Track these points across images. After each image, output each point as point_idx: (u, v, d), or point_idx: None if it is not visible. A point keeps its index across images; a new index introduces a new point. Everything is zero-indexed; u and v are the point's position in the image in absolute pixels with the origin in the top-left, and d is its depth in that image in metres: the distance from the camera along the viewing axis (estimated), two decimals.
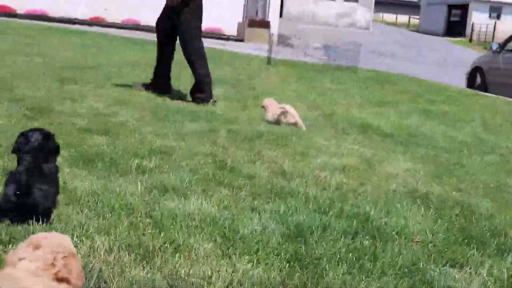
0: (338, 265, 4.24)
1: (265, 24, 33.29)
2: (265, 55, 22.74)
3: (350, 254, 4.43)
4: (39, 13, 33.39)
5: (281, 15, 42.17)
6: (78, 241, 4.06)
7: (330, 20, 55.70)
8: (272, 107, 10.13)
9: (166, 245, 4.18)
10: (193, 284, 3.68)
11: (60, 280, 2.72)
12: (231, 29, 34.09)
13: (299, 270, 4.07)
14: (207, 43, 27.38)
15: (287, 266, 4.10)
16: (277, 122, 9.99)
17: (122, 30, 30.85)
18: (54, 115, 8.18)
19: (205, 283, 3.72)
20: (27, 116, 7.98)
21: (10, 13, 33.10)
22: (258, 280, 3.85)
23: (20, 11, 33.68)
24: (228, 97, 12.31)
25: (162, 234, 4.31)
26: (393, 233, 5.00)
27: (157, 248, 4.11)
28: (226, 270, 3.92)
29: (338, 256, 4.37)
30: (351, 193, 6.21)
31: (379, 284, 4.00)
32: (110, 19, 33.63)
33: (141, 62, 17.14)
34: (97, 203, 4.84)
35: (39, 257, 2.72)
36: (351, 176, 6.96)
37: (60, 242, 2.88)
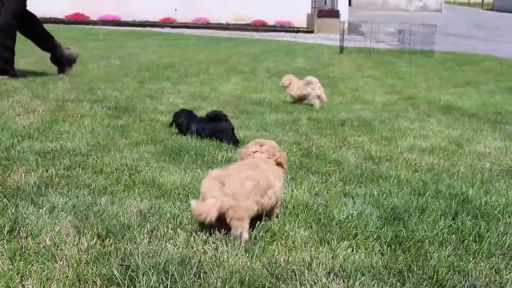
0: (442, 246, 4.05)
1: (335, 14, 32.91)
2: (336, 44, 22.48)
3: (453, 235, 4.23)
4: (112, 18, 34.14)
5: (350, 4, 41.58)
6: (173, 233, 4.02)
7: (401, 5, 54.51)
8: (295, 82, 10.02)
9: (262, 233, 4.09)
10: (293, 272, 3.57)
11: (278, 164, 4.42)
12: (301, 21, 33.88)
13: (402, 254, 3.90)
14: (279, 36, 27.43)
15: (388, 250, 3.94)
16: (302, 97, 9.95)
17: (194, 29, 31.16)
18: (136, 113, 8.27)
19: (306, 270, 3.60)
20: (110, 115, 8.10)
21: (84, 20, 34.02)
22: (360, 265, 3.71)
23: (94, 17, 34.56)
24: None
25: (257, 223, 4.22)
26: (496, 212, 4.75)
27: (253, 236, 4.02)
28: (326, 256, 3.80)
29: (441, 238, 4.17)
30: (444, 174, 5.98)
31: (488, 265, 3.79)
32: (181, 19, 33.99)
33: (216, 59, 17.25)
34: (188, 195, 4.81)
35: (265, 150, 4.43)
36: (441, 157, 6.72)
37: (273, 143, 4.58)
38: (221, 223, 3.94)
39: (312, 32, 32.38)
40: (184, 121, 7.13)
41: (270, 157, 4.39)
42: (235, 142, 6.83)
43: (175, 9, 34.12)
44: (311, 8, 34.65)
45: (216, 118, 7.05)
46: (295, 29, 33.33)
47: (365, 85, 13.05)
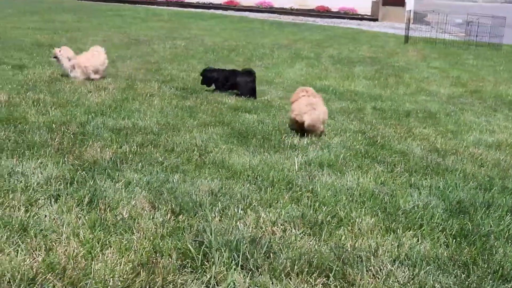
0: (508, 242, 4.07)
1: (400, 2, 32.46)
2: (401, 33, 22.23)
3: None
4: None
5: None
6: (244, 213, 4.16)
7: None
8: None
9: (328, 218, 4.18)
10: (359, 257, 3.66)
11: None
12: (365, 8, 33.54)
13: (467, 246, 3.94)
14: (342, 23, 27.21)
15: (453, 242, 3.99)
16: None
17: (257, 13, 31.23)
18: (202, 95, 8.43)
19: (372, 256, 3.69)
20: (178, 95, 8.28)
21: (149, 1, 34.47)
22: (425, 254, 3.77)
23: None
24: (368, 76, 12.12)
25: (324, 208, 4.32)
26: None
27: (320, 221, 4.12)
28: (392, 244, 3.87)
29: (507, 233, 4.19)
30: (510, 170, 5.94)
31: None
32: (244, 2, 34.08)
33: (280, 44, 17.30)
34: (256, 177, 4.93)
35: (311, 94, 6.70)
36: (508, 153, 6.66)
37: (311, 88, 6.95)
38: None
39: (376, 20, 32.05)
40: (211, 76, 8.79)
41: (314, 97, 6.73)
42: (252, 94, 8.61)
43: None
44: None
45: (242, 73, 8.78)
46: (359, 16, 33.04)
47: (430, 76, 12.91)
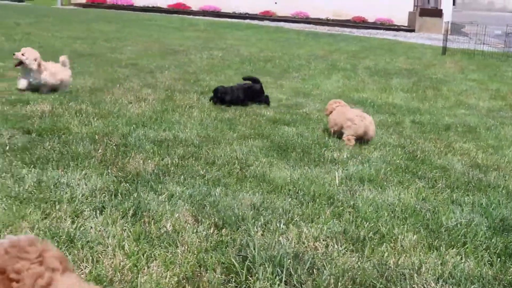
0: None
1: (438, 13, 32.21)
2: (438, 44, 22.05)
3: None
4: (212, 9, 34.73)
5: (454, 3, 40.52)
6: (286, 228, 4.18)
7: (509, 6, 52.58)
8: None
9: (371, 234, 4.18)
10: (403, 275, 3.65)
11: None
12: (402, 19, 33.35)
13: None
14: (378, 34, 27.07)
15: (498, 261, 3.95)
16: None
17: (292, 23, 31.28)
18: (241, 107, 8.47)
19: (415, 274, 3.67)
20: (217, 107, 8.34)
21: (186, 10, 34.79)
22: (469, 273, 3.74)
23: (195, 8, 35.27)
24: (406, 88, 12.05)
25: (366, 224, 4.32)
26: None
27: (362, 237, 4.12)
28: (435, 262, 3.85)
29: None
30: None
31: None
32: (280, 12, 34.18)
33: (316, 54, 17.31)
34: (297, 191, 4.95)
35: (343, 105, 7.32)
36: None
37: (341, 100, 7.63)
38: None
39: (413, 31, 31.84)
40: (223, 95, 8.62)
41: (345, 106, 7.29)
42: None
43: (275, 2, 34.36)
44: (413, 6, 34.05)
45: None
46: (396, 27, 32.84)
47: (469, 89, 12.77)
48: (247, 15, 34.02)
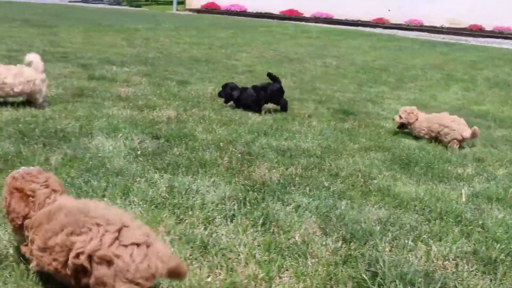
0: None
1: None
2: None
3: None
4: (324, 16, 34.78)
5: None
6: (414, 245, 4.15)
7: None
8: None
9: (502, 256, 4.08)
10: None
11: None
12: None
13: None
14: (496, 43, 26.16)
15: None
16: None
17: (406, 31, 30.80)
18: (360, 117, 8.47)
19: None
20: (335, 117, 8.37)
21: (297, 17, 35.03)
22: None
23: (307, 14, 35.45)
24: None
25: (497, 245, 4.22)
26: None
27: (493, 259, 4.03)
28: None
29: None
30: None
31: None
32: (393, 20, 33.74)
33: (432, 64, 16.97)
34: (424, 208, 4.90)
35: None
36: None
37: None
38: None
39: None
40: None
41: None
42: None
43: (389, 10, 33.96)
44: None
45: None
46: None
47: None
48: (359, 22, 33.83)
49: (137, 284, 2.83)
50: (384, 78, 13.29)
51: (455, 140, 7.15)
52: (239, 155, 5.97)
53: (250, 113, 8.06)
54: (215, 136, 6.65)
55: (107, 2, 42.03)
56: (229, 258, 3.74)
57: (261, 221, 4.30)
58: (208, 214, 4.38)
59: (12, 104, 7.14)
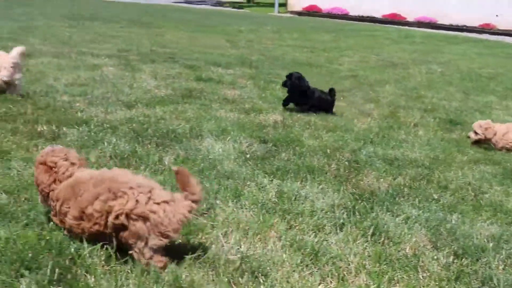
0: None
1: None
2: None
3: None
4: (428, 20, 34.06)
5: None
6: None
7: None
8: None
9: None
10: None
11: None
12: None
13: None
14: None
15: None
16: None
17: None
18: (468, 128, 8.27)
19: None
20: (442, 127, 8.24)
21: (400, 21, 34.46)
22: None
23: (410, 19, 34.80)
24: None
25: None
26: None
27: None
28: None
29: None
30: None
31: None
32: (502, 25, 32.57)
33: None
34: None
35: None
36: None
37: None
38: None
39: None
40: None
41: None
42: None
43: (496, 15, 32.82)
44: None
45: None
46: None
47: None
48: (464, 27, 32.88)
49: (167, 236, 3.39)
50: (492, 87, 12.90)
51: None
52: (347, 162, 5.99)
53: (355, 120, 8.06)
54: (322, 143, 6.70)
55: (210, 3, 42.91)
56: (340, 267, 3.77)
57: (371, 231, 4.31)
58: (318, 221, 4.43)
59: (126, 104, 7.47)
